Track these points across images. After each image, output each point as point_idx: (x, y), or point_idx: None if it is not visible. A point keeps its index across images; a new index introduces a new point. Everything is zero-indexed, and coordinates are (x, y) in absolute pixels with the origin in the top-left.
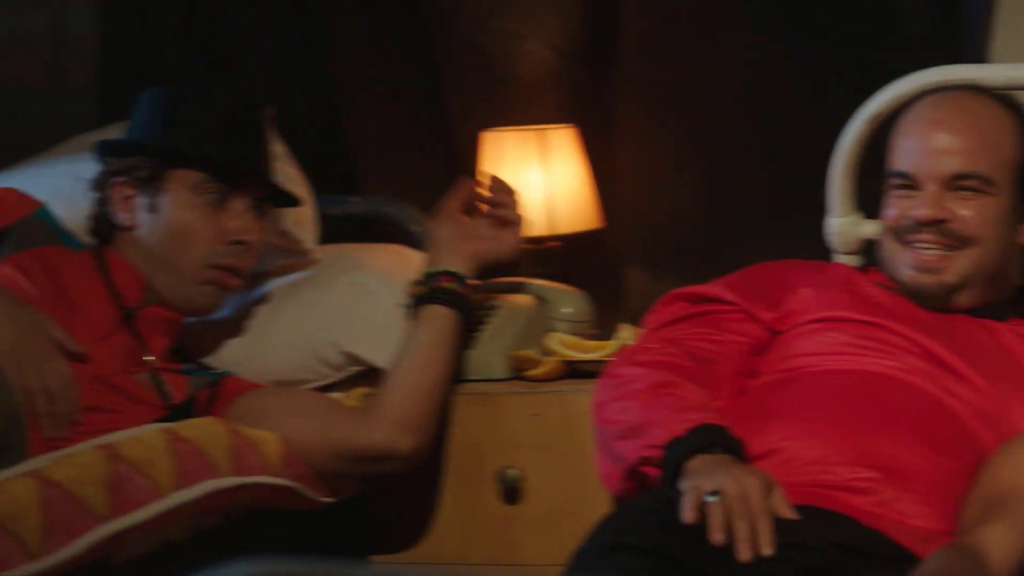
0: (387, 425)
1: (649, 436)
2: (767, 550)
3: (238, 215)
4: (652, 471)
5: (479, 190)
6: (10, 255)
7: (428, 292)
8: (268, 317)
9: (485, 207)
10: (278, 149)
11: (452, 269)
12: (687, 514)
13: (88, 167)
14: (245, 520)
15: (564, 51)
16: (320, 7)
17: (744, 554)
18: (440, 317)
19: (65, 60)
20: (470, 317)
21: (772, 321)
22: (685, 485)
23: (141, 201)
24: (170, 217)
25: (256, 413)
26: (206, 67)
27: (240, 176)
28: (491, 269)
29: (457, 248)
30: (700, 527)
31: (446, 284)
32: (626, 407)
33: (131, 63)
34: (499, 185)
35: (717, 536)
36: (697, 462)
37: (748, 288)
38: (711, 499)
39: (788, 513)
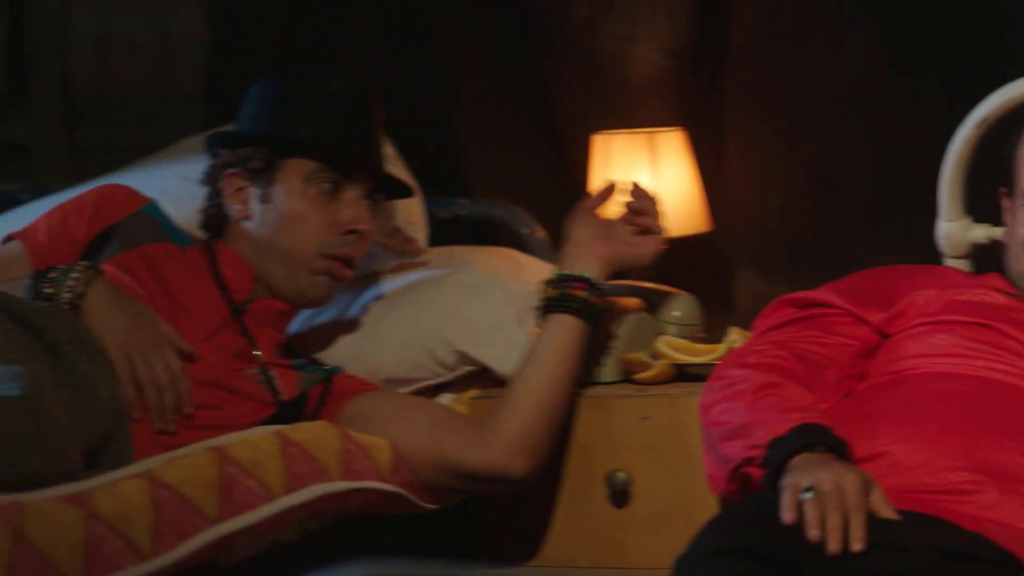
0: (503, 447)
1: (753, 436)
2: (857, 545)
3: (351, 204)
4: (756, 472)
5: (621, 193)
6: (115, 255)
7: (559, 297)
8: (380, 316)
9: (626, 211)
10: (388, 151)
11: (586, 274)
12: (784, 514)
13: (196, 168)
14: (354, 523)
15: (674, 54)
16: (429, 9)
17: (833, 546)
18: (568, 328)
19: (172, 62)
20: (597, 326)
21: (881, 323)
22: (783, 483)
23: (254, 192)
24: (283, 207)
25: (368, 416)
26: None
27: (352, 165)
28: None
29: (594, 248)
30: (801, 528)
31: (579, 292)
32: (731, 408)
33: (238, 65)
34: (641, 192)
35: (812, 533)
36: (798, 460)
37: (857, 292)
38: (806, 495)
39: (887, 513)
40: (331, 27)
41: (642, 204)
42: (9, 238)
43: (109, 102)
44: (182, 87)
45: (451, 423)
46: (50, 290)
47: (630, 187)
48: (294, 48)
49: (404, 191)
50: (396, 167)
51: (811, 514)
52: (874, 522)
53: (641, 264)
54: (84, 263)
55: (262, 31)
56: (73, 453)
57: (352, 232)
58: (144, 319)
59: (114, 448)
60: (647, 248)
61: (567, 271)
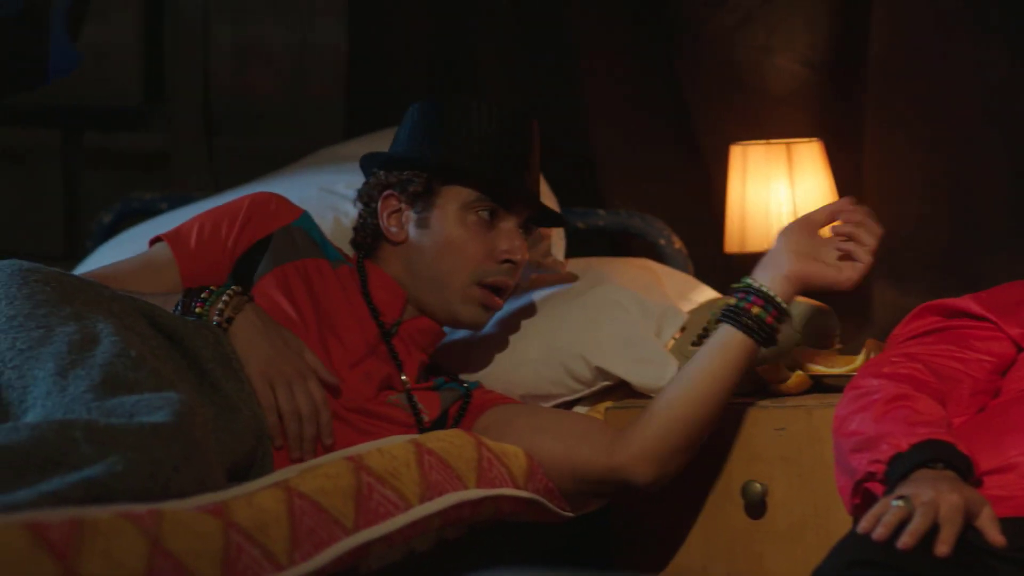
0: (630, 452)
1: (877, 450)
2: (942, 548)
3: (507, 234)
4: (877, 488)
5: (850, 214)
6: (273, 268)
7: (733, 307)
8: (518, 332)
9: (844, 233)
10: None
11: (765, 289)
12: (862, 523)
13: (335, 179)
14: (489, 531)
15: (812, 64)
16: (567, 19)
17: (905, 539)
18: (734, 346)
19: (310, 71)
20: (765, 345)
21: (1020, 337)
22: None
23: (411, 215)
24: (441, 233)
25: (502, 425)
26: (452, 79)
27: (511, 195)
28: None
29: (790, 263)
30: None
31: (754, 308)
32: (862, 419)
33: (376, 75)
34: (868, 222)
35: (878, 532)
36: (915, 476)
37: (999, 304)
38: (896, 503)
39: (994, 535)
40: (470, 37)
41: (863, 233)
42: (157, 239)
43: (247, 110)
44: (320, 96)
45: (586, 430)
46: (199, 310)
47: (860, 214)
48: (434, 58)
49: (556, 220)
50: (546, 196)
51: (890, 516)
52: (1007, 531)
53: (836, 290)
54: (235, 287)
55: (401, 41)
56: (218, 473)
57: (507, 262)
58: (290, 348)
59: (256, 470)
60: (847, 276)
61: (751, 281)
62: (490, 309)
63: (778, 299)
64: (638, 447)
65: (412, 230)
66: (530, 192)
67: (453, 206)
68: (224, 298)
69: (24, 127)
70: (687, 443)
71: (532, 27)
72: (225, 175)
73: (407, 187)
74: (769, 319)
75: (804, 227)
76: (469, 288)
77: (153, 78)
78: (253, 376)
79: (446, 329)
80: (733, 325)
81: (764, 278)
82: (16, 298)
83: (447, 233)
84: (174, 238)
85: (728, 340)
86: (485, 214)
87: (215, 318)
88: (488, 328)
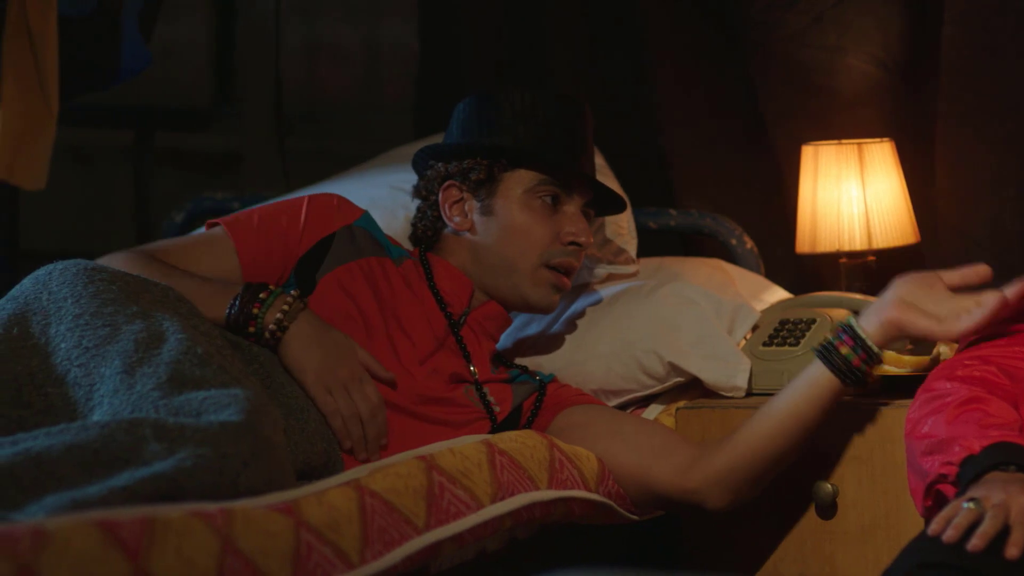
0: (703, 478)
1: (949, 453)
2: (1013, 550)
3: (571, 217)
4: (949, 489)
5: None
6: (335, 268)
7: (827, 344)
8: (590, 327)
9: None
10: (598, 161)
11: (861, 332)
12: (932, 525)
13: (405, 178)
14: (560, 532)
15: (884, 64)
16: (638, 19)
17: (975, 542)
18: (822, 384)
19: (381, 71)
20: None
21: None
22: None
23: (474, 204)
24: (507, 218)
25: (580, 428)
26: (522, 80)
27: (572, 178)
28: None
29: (890, 309)
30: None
31: (844, 349)
32: (934, 421)
33: (447, 75)
34: (1001, 300)
35: (948, 533)
36: (986, 478)
37: None
38: (967, 505)
39: None
40: (540, 37)
41: (992, 306)
42: (213, 224)
43: (318, 110)
44: (390, 96)
45: (664, 446)
46: (256, 311)
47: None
48: (503, 59)
49: (617, 206)
50: (606, 178)
51: (961, 518)
52: None
53: (929, 340)
54: (294, 292)
55: (471, 41)
56: (288, 471)
57: (572, 244)
58: (343, 352)
59: (328, 472)
60: (946, 328)
61: (852, 321)
62: (560, 290)
63: (868, 342)
64: (714, 474)
65: (476, 218)
66: (589, 174)
67: (517, 192)
68: (284, 306)
69: (96, 127)
70: (764, 475)
71: (602, 27)
72: (296, 175)
73: (469, 176)
74: (857, 361)
75: (923, 279)
76: (538, 271)
77: (224, 78)
78: (311, 384)
79: (517, 322)
80: (823, 362)
81: (864, 320)
82: (82, 296)
83: (513, 218)
84: (233, 224)
85: (817, 377)
86: (548, 199)
87: (271, 326)
88: (560, 323)
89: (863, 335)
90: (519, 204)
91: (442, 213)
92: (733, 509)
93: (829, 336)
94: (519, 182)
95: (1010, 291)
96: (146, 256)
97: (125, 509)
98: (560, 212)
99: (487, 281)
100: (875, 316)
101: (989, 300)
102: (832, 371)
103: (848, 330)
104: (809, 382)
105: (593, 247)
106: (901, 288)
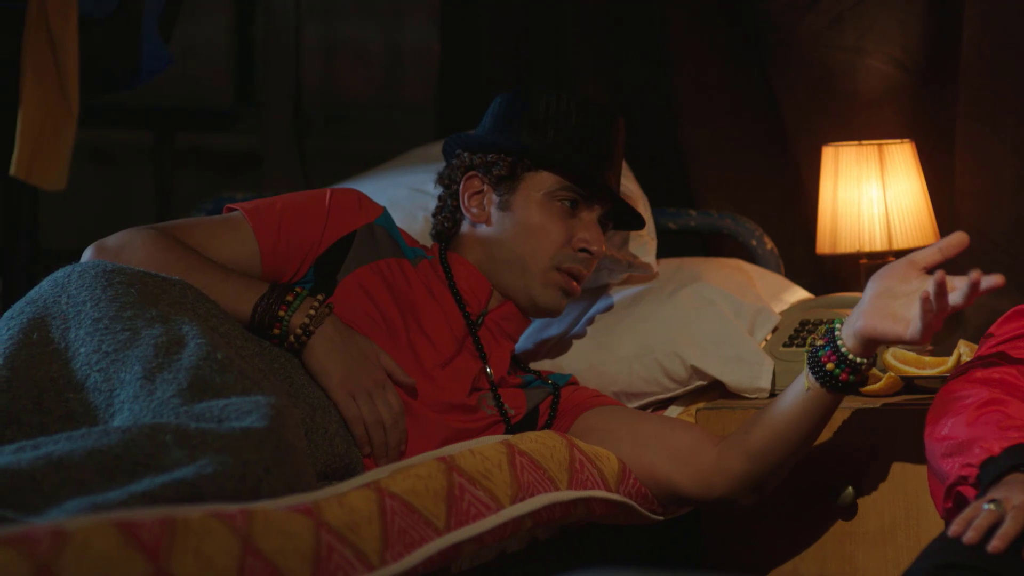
0: (734, 488)
1: (969, 455)
2: None
3: (587, 225)
4: (969, 491)
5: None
6: (356, 269)
7: (811, 354)
8: (611, 329)
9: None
10: (625, 173)
11: (842, 346)
12: (953, 526)
13: (425, 179)
14: (580, 532)
15: (904, 65)
16: (659, 21)
17: (995, 543)
18: (808, 398)
19: (402, 72)
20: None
21: None
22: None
23: (493, 198)
24: (523, 216)
25: (601, 430)
26: (544, 81)
27: (593, 187)
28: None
29: (863, 319)
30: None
31: (829, 365)
32: (954, 424)
33: (468, 76)
34: (973, 284)
35: (969, 535)
36: (1006, 479)
37: None
38: (987, 506)
39: None
40: (562, 39)
41: (961, 297)
42: (231, 209)
43: (338, 111)
44: (410, 97)
45: (690, 449)
46: (283, 313)
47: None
48: (525, 60)
49: (636, 222)
50: (627, 180)
51: (981, 520)
52: None
53: (900, 342)
54: (319, 297)
55: (493, 43)
56: (310, 475)
57: (584, 251)
58: (366, 358)
59: (349, 475)
60: (917, 333)
61: (836, 331)
62: (569, 295)
63: (850, 356)
64: (738, 481)
65: (494, 212)
66: (612, 186)
67: (537, 192)
68: (310, 310)
69: (116, 128)
70: (779, 470)
71: (624, 28)
72: (316, 175)
73: (491, 169)
74: (843, 375)
75: (900, 269)
76: (549, 272)
77: (245, 79)
78: (334, 389)
79: (537, 324)
80: (812, 374)
81: (845, 331)
82: (101, 300)
83: (529, 217)
84: (253, 212)
85: (804, 386)
86: (567, 203)
87: (296, 330)
88: (581, 325)
89: (844, 350)
90: (537, 204)
91: (460, 202)
92: (760, 501)
93: (819, 342)
94: (540, 184)
95: (972, 275)
96: (169, 238)
97: (145, 510)
98: (577, 217)
99: (500, 278)
100: (851, 327)
101: (924, 300)
102: (821, 384)
103: (831, 343)
104: (798, 390)
105: (613, 248)
106: (876, 284)
